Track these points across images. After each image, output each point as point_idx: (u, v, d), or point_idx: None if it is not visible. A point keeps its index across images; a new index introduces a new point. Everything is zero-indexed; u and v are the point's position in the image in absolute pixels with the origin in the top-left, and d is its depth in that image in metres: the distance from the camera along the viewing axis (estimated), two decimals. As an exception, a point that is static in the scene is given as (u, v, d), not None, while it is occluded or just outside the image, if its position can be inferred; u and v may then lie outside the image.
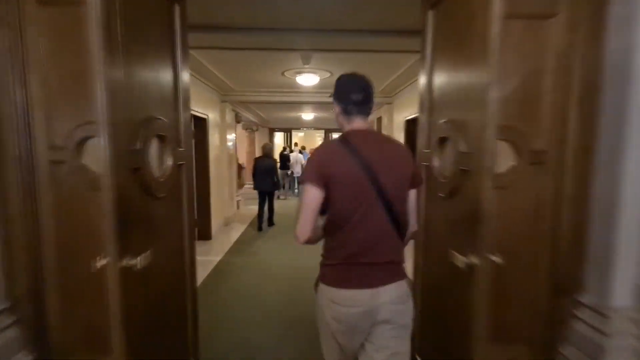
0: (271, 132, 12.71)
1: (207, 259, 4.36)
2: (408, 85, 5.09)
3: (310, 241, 1.21)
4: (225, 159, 6.24)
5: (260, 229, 5.95)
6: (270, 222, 6.31)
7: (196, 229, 5.22)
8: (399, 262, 1.25)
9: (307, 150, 11.94)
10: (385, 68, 4.52)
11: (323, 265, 1.27)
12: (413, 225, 1.32)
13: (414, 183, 1.26)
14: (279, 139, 14.34)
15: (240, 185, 11.68)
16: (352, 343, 1.22)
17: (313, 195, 1.15)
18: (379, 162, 1.17)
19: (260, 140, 11.43)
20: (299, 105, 7.39)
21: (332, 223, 1.20)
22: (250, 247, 4.98)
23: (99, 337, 1.33)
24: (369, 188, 1.15)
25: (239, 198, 8.17)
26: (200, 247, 5.07)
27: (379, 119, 7.49)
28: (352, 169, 1.15)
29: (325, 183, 1.15)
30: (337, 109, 1.32)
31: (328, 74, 4.59)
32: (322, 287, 1.24)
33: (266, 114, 9.43)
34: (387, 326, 1.19)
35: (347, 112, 1.28)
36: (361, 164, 1.15)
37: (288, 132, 13.58)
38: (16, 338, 1.35)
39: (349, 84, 1.30)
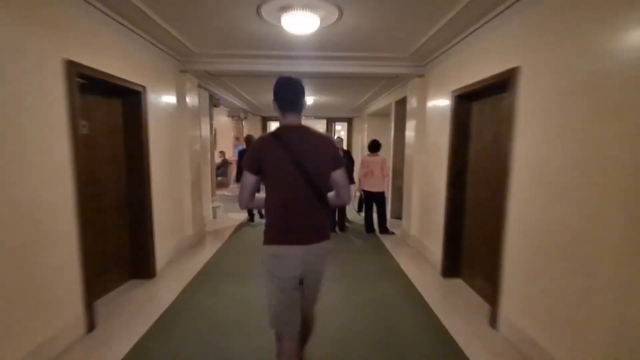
0: (264, 121, 10.84)
1: (130, 326, 2.56)
2: (455, 44, 3.24)
3: (249, 208, 1.83)
4: (188, 154, 4.41)
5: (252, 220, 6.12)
6: (261, 215, 6.12)
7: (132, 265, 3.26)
8: (322, 226, 1.62)
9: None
10: (420, 20, 2.69)
11: (266, 231, 1.60)
12: (344, 196, 1.64)
13: (335, 166, 1.58)
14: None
15: (226, 185, 9.88)
16: (293, 289, 1.57)
17: (248, 178, 1.55)
18: (304, 150, 1.50)
19: (250, 131, 9.58)
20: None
21: (270, 198, 1.58)
22: (214, 298, 3.17)
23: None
24: (295, 171, 1.49)
25: (217, 204, 6.36)
26: (131, 292, 3.16)
27: (400, 102, 5.62)
28: (282, 156, 1.49)
29: (260, 169, 1.52)
30: (275, 107, 1.61)
31: (335, 14, 2.72)
32: (266, 247, 1.58)
33: (253, 97, 7.52)
34: (312, 273, 1.62)
35: (282, 109, 1.59)
36: (289, 153, 1.49)
37: (285, 122, 11.73)
38: None
39: (283, 86, 1.59)
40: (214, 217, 6.19)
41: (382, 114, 8.60)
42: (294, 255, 1.53)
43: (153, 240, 3.46)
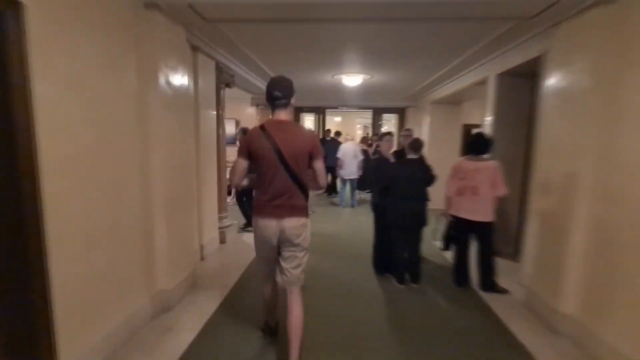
0: (296, 112, 8.94)
1: None
2: None
3: (238, 186, 2.05)
4: (165, 159, 2.60)
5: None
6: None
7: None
8: (297, 205, 1.91)
9: (355, 141, 8.08)
10: None
11: (254, 207, 1.96)
12: (320, 182, 1.98)
13: (313, 157, 1.90)
14: (308, 124, 10.58)
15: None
16: (270, 251, 1.99)
17: (240, 163, 1.89)
18: (283, 142, 1.81)
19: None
20: (333, 33, 3.55)
21: (257, 180, 1.93)
22: None
23: None
24: (275, 158, 1.81)
25: (228, 223, 4.55)
26: None
27: (507, 75, 3.41)
28: (265, 146, 1.81)
29: (249, 155, 1.87)
30: (267, 103, 1.93)
31: None
32: (254, 219, 1.97)
33: (276, 71, 5.31)
34: (288, 243, 1.93)
35: (271, 106, 1.89)
36: (271, 143, 1.81)
37: (320, 112, 9.72)
38: None
39: (271, 84, 1.88)
40: (222, 241, 4.38)
41: (453, 102, 6.41)
42: (269, 226, 1.89)
43: (51, 338, 1.65)
